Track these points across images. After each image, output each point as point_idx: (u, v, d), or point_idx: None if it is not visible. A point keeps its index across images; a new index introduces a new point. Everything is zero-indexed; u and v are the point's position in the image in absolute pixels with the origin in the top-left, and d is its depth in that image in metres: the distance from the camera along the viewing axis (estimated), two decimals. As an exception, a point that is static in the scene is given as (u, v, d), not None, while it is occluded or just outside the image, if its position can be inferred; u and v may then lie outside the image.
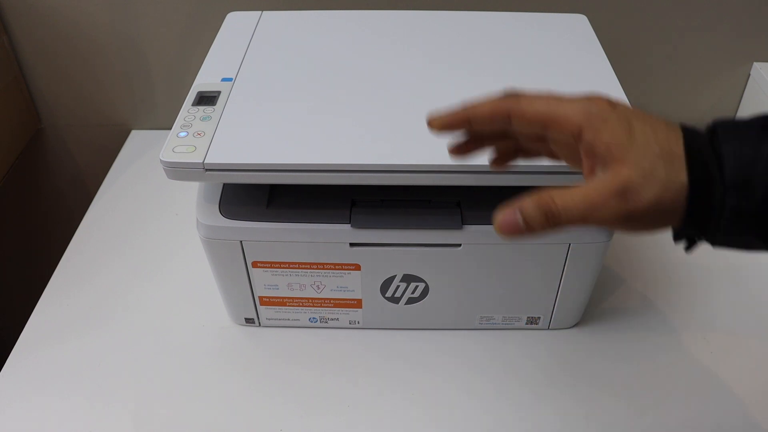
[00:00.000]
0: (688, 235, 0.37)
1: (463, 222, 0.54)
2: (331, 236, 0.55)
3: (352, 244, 0.55)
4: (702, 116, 0.93)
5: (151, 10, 0.82)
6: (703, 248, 0.73)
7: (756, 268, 0.71)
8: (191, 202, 0.56)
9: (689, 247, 0.39)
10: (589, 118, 0.36)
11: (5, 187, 0.88)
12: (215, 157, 0.50)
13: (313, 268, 0.58)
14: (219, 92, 0.56)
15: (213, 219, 0.55)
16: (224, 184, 0.57)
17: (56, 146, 0.95)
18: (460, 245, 0.55)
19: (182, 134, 0.52)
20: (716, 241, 0.36)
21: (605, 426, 0.56)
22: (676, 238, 0.38)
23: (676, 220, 0.35)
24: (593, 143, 0.36)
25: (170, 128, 0.52)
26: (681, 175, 0.34)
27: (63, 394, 0.59)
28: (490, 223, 0.52)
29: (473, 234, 0.55)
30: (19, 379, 0.60)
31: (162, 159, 0.50)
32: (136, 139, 0.92)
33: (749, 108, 0.89)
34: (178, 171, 0.50)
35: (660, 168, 0.35)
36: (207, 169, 0.50)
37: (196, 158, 0.49)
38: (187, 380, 0.60)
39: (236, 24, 0.67)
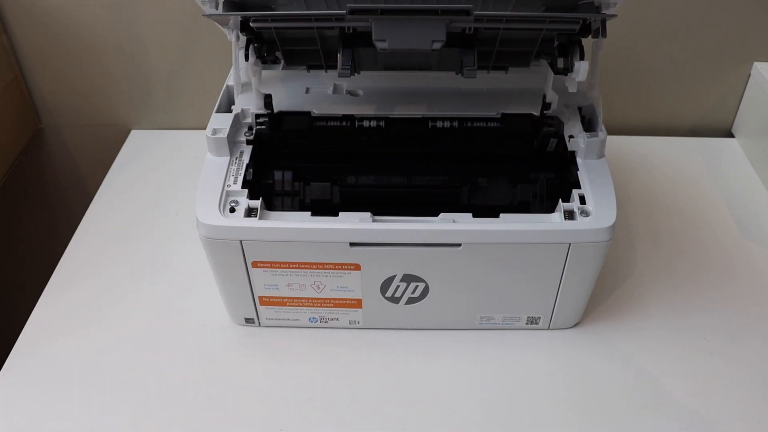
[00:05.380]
0: None
1: None
2: (332, 235, 0.55)
3: (352, 244, 0.55)
4: (702, 116, 0.93)
5: (151, 10, 0.82)
6: (704, 247, 0.73)
7: (756, 267, 0.71)
8: (191, 202, 0.56)
9: None
10: None
11: (5, 187, 0.88)
12: None
13: (313, 268, 0.58)
14: None
15: (213, 218, 0.55)
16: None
17: (56, 146, 0.95)
18: (460, 245, 0.55)
19: None
20: None
21: (605, 426, 0.56)
22: None
23: None
24: None
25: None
26: None
27: (63, 394, 0.59)
28: (489, 216, 0.53)
29: (473, 233, 0.55)
30: (19, 379, 0.60)
31: None
32: (136, 139, 0.92)
33: (750, 108, 0.89)
34: None
35: None
36: None
37: None
38: (187, 380, 0.60)
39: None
